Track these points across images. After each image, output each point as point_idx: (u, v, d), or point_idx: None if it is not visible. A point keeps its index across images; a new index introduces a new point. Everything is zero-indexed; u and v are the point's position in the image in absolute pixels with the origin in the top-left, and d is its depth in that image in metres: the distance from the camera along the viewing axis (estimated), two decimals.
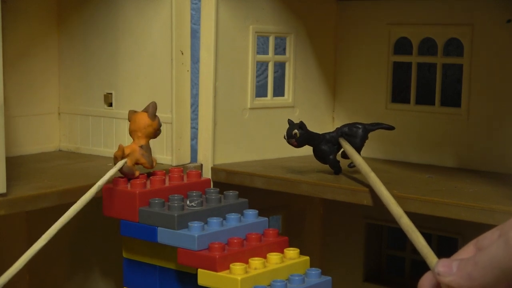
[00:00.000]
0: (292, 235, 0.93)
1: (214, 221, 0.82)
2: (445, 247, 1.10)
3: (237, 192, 0.89)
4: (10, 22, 1.05)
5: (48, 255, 1.04)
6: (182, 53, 1.01)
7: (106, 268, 1.13)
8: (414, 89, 1.10)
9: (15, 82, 1.07)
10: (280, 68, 1.16)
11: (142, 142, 0.88)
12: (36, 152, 1.12)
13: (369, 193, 0.87)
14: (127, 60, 1.07)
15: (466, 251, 0.58)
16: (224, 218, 0.84)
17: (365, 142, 0.96)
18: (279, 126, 1.05)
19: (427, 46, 1.13)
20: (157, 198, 0.84)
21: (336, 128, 0.97)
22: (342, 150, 0.96)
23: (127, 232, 0.86)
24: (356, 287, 1.18)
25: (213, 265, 0.77)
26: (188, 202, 0.85)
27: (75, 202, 0.81)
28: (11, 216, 0.93)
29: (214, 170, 1.02)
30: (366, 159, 0.92)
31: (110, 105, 1.09)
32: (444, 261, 0.56)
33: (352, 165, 0.95)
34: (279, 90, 1.13)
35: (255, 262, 0.78)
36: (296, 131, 0.93)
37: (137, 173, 0.87)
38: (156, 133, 0.89)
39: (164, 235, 0.82)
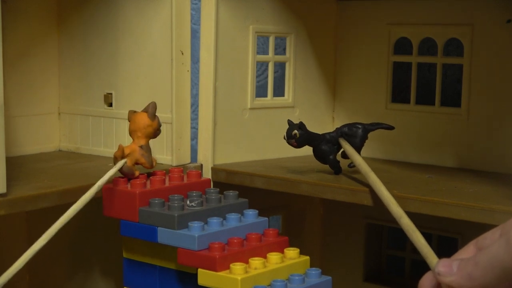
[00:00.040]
0: (292, 235, 0.93)
1: (214, 221, 0.82)
2: (445, 247, 1.10)
3: (237, 192, 0.89)
4: (10, 22, 1.05)
5: (48, 255, 1.04)
6: (182, 53, 1.01)
7: (106, 268, 1.13)
8: (414, 89, 1.10)
9: (15, 82, 1.07)
10: (280, 68, 1.16)
11: (142, 142, 0.88)
12: (36, 152, 1.12)
13: (369, 193, 0.87)
14: (127, 60, 1.07)
15: (467, 251, 0.58)
16: (224, 218, 0.84)
17: (365, 142, 0.96)
18: (279, 126, 1.04)
19: (427, 46, 1.13)
20: (157, 198, 0.84)
21: (336, 128, 0.97)
22: (342, 150, 0.96)
23: (127, 232, 0.86)
24: (356, 287, 1.18)
25: (213, 265, 0.77)
26: (188, 202, 0.84)
27: (75, 202, 0.81)
28: (11, 216, 0.93)
29: (214, 170, 1.02)
30: (366, 159, 0.92)
31: (110, 105, 1.09)
32: (445, 261, 0.56)
33: (352, 165, 0.95)
34: (279, 90, 1.13)
35: (255, 262, 0.78)
36: (295, 131, 0.93)
37: (137, 173, 0.87)
38: (156, 133, 0.89)
39: (164, 235, 0.82)
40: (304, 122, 0.95)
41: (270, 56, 1.10)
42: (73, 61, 1.13)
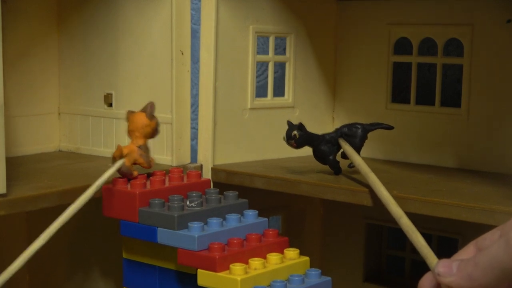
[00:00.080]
0: (292, 236, 0.93)
1: (214, 221, 0.82)
2: (445, 248, 1.10)
3: (237, 193, 0.89)
4: (10, 22, 1.05)
5: (48, 255, 1.04)
6: (182, 53, 1.01)
7: (106, 268, 1.13)
8: (414, 89, 1.10)
9: (15, 82, 1.07)
10: (280, 68, 1.16)
11: (140, 142, 0.88)
12: (36, 152, 1.12)
13: (369, 193, 0.87)
14: (127, 60, 1.07)
15: (466, 252, 0.58)
16: (224, 219, 0.84)
17: (364, 142, 0.96)
18: (279, 126, 1.04)
19: (427, 46, 1.13)
20: (157, 199, 0.84)
21: (336, 129, 0.97)
22: (341, 150, 0.96)
23: (127, 232, 0.86)
24: (356, 287, 1.18)
25: (213, 266, 0.77)
26: (188, 203, 0.84)
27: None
28: (11, 216, 0.93)
29: (214, 170, 1.02)
30: (366, 159, 0.92)
31: (110, 105, 1.09)
32: (444, 261, 0.56)
33: (351, 166, 0.95)
34: (279, 90, 1.13)
35: (255, 262, 0.78)
36: (295, 132, 0.93)
37: (135, 173, 0.87)
38: (154, 133, 0.89)
39: (164, 236, 0.82)
40: (304, 122, 0.95)
41: (270, 56, 1.10)
42: (73, 61, 1.13)
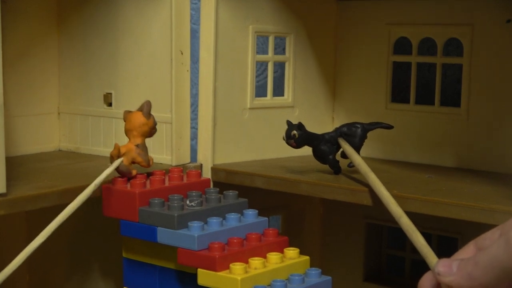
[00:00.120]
0: (292, 235, 0.93)
1: (214, 221, 0.82)
2: (445, 247, 1.10)
3: (237, 192, 0.89)
4: (10, 22, 1.05)
5: (48, 255, 1.04)
6: (182, 53, 1.01)
7: (106, 268, 1.13)
8: (414, 89, 1.10)
9: (15, 82, 1.07)
10: (279, 68, 1.16)
11: (138, 141, 0.88)
12: (36, 152, 1.12)
13: (369, 193, 0.87)
14: (127, 60, 1.07)
15: (466, 251, 0.58)
16: (224, 218, 0.84)
17: (364, 141, 0.96)
18: (278, 126, 1.04)
19: (427, 46, 1.13)
20: (157, 198, 0.84)
21: (335, 128, 0.97)
22: (341, 150, 0.96)
23: (127, 232, 0.86)
24: (356, 287, 1.18)
25: (213, 265, 0.77)
26: (188, 202, 0.84)
27: None
28: (11, 216, 0.93)
29: (214, 170, 1.02)
30: (365, 159, 0.92)
31: (110, 105, 1.09)
32: (444, 261, 0.56)
33: (351, 165, 0.95)
34: (278, 90, 1.13)
35: (255, 262, 0.78)
36: (294, 132, 0.93)
37: (134, 172, 0.87)
38: (151, 131, 0.89)
39: (164, 235, 0.82)
40: (303, 122, 0.95)
41: (270, 56, 1.10)
42: (73, 61, 1.13)
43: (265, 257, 0.80)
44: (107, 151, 1.07)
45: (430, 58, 1.10)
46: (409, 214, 0.75)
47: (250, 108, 1.07)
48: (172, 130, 1.02)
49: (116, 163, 0.86)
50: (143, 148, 0.88)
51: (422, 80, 1.13)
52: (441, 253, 0.64)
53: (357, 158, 0.91)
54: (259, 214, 0.87)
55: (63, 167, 1.02)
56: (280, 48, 1.15)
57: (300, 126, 0.94)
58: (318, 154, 0.96)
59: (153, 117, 0.88)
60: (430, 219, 0.85)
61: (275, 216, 1.17)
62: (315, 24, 1.15)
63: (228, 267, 0.77)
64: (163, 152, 1.03)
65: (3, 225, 1.02)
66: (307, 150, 0.97)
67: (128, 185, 0.86)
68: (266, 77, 1.11)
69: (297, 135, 0.93)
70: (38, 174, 0.95)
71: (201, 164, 1.03)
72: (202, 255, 0.78)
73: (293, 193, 0.95)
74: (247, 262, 0.78)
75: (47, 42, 1.13)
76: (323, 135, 0.96)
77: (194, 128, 1.07)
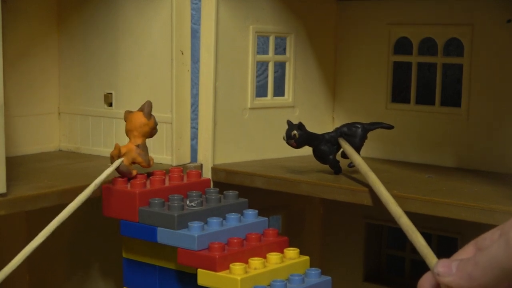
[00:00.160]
0: (292, 235, 0.93)
1: (214, 221, 0.82)
2: (445, 247, 1.10)
3: (237, 192, 0.89)
4: (10, 22, 1.05)
5: (48, 255, 1.04)
6: (182, 53, 1.01)
7: (106, 268, 1.13)
8: (414, 89, 1.10)
9: (15, 82, 1.07)
10: (280, 68, 1.16)
11: (139, 141, 0.88)
12: (36, 152, 1.12)
13: (369, 193, 0.87)
14: (127, 60, 1.07)
15: (466, 251, 0.58)
16: (224, 218, 0.84)
17: (364, 141, 0.96)
18: (279, 126, 1.04)
19: (427, 46, 1.13)
20: (157, 198, 0.84)
21: (336, 128, 0.97)
22: (341, 150, 0.96)
23: (127, 232, 0.86)
24: (356, 287, 1.18)
25: (213, 265, 0.77)
26: (188, 202, 0.84)
27: None
28: (11, 216, 0.93)
29: (214, 170, 1.02)
30: (366, 159, 0.92)
31: (110, 105, 1.09)
32: (444, 261, 0.56)
33: (351, 165, 0.95)
34: (279, 90, 1.13)
35: (255, 262, 0.78)
36: (295, 132, 0.93)
37: (134, 172, 0.87)
38: (152, 132, 0.89)
39: (164, 235, 0.82)
40: (304, 122, 0.95)
41: (270, 56, 1.10)
42: (73, 61, 1.13)
43: (265, 257, 0.80)
44: (107, 151, 1.07)
45: (430, 58, 1.10)
46: (409, 214, 0.75)
47: (251, 108, 1.07)
48: (173, 130, 1.02)
49: (117, 163, 0.86)
50: (144, 148, 0.88)
51: (422, 80, 1.13)
52: (441, 253, 0.64)
53: (357, 158, 0.91)
54: (259, 214, 0.87)
55: (63, 167, 1.02)
56: (280, 48, 1.15)
57: (300, 126, 0.94)
58: (318, 154, 0.96)
59: (154, 117, 0.89)
60: (430, 219, 0.85)
61: (275, 216, 1.17)
62: (315, 24, 1.15)
63: (228, 267, 0.77)
64: (163, 152, 1.03)
65: (3, 225, 1.02)
66: (307, 150, 0.97)
67: (128, 185, 0.86)
68: (267, 77, 1.11)
69: (297, 135, 0.93)
70: (38, 174, 0.95)
71: (201, 164, 1.03)
72: (202, 255, 0.78)
73: (293, 193, 0.95)
74: (247, 262, 0.78)
75: (47, 42, 1.13)
76: (323, 135, 0.96)
77: (194, 128, 1.07)
